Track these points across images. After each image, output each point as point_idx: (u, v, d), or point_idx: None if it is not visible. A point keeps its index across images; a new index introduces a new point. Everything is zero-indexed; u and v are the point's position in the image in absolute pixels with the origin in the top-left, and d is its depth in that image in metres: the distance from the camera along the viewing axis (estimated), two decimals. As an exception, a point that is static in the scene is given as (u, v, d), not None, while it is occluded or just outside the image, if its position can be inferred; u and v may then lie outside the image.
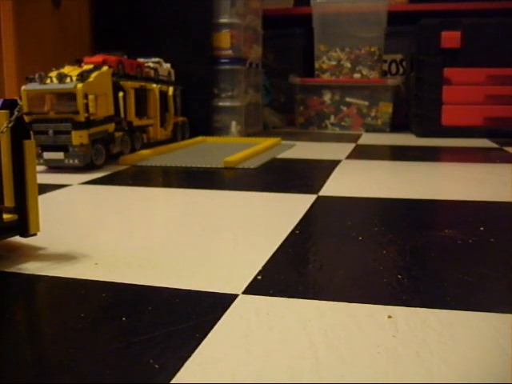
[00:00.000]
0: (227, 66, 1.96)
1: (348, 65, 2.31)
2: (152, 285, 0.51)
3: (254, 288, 0.50)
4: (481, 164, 1.33)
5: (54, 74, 1.21)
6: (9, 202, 0.59)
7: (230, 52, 1.96)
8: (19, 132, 0.58)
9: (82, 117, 1.17)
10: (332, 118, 2.32)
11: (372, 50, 2.29)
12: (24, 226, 0.60)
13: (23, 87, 1.23)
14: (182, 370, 0.36)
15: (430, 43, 1.98)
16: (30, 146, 0.59)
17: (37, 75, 1.22)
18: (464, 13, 2.20)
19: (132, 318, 0.44)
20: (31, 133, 0.60)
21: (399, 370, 0.36)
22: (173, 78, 1.79)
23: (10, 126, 0.57)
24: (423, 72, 2.03)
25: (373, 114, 2.27)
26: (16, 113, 0.58)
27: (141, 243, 0.65)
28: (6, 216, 0.59)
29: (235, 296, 0.48)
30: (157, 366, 0.36)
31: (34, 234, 0.62)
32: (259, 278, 0.53)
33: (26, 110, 1.19)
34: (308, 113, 2.34)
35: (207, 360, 0.37)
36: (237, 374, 0.35)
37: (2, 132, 0.57)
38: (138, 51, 1.68)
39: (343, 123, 2.31)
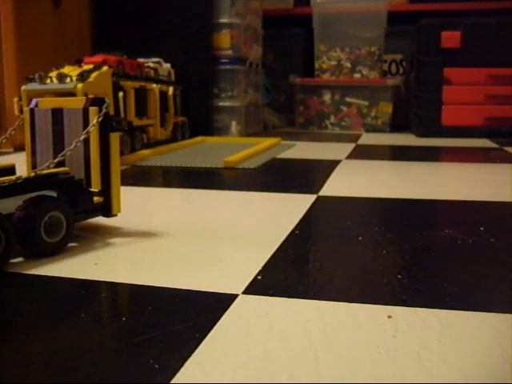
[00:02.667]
0: (227, 66, 1.96)
1: (348, 65, 2.31)
2: (152, 285, 0.51)
3: (254, 288, 0.50)
4: (481, 164, 1.33)
5: (54, 73, 1.21)
6: (96, 186, 0.68)
7: (229, 52, 1.96)
8: (106, 126, 0.66)
9: (82, 117, 1.16)
10: (332, 118, 2.32)
11: (372, 50, 2.29)
12: (108, 207, 0.68)
13: (23, 87, 1.23)
14: (182, 370, 0.36)
15: (430, 43, 1.98)
16: (114, 137, 0.67)
17: (37, 75, 1.22)
18: (464, 13, 2.20)
19: (132, 318, 0.44)
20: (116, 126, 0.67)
21: (399, 370, 0.36)
22: (173, 78, 1.79)
23: (99, 120, 0.65)
24: (423, 72, 2.03)
25: (373, 114, 2.27)
26: (104, 109, 0.65)
27: (141, 243, 0.65)
28: (95, 198, 0.68)
29: (235, 296, 0.48)
30: (157, 366, 0.36)
31: (115, 215, 0.69)
32: (259, 278, 0.53)
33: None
34: (308, 113, 2.34)
35: (207, 360, 0.37)
36: (237, 374, 0.35)
37: (93, 125, 0.65)
38: (138, 51, 1.68)
39: (343, 123, 2.31)
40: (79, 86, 1.16)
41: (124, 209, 0.84)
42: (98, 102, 0.67)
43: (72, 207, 0.64)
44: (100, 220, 0.76)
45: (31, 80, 1.22)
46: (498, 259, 0.59)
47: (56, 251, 0.60)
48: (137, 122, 1.46)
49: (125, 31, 1.94)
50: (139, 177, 1.14)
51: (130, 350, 0.38)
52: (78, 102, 0.68)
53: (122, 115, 1.36)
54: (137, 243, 0.65)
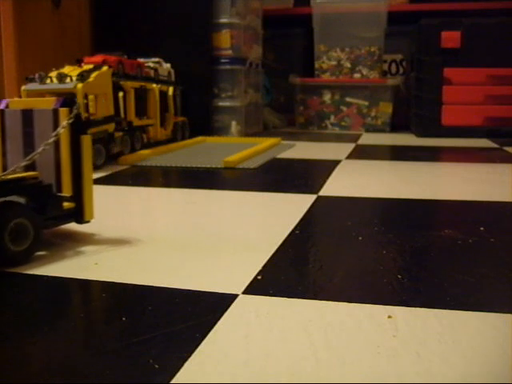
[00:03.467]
0: (227, 66, 1.96)
1: (348, 65, 2.31)
2: (152, 285, 0.51)
3: (254, 288, 0.50)
4: (481, 164, 1.33)
5: (54, 74, 1.21)
6: (67, 191, 0.65)
7: (229, 52, 1.96)
8: (77, 128, 0.64)
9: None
10: (332, 118, 2.32)
11: (372, 49, 2.29)
12: (80, 213, 0.66)
13: (23, 87, 1.23)
14: (182, 370, 0.36)
15: (430, 43, 1.98)
16: (86, 140, 0.64)
17: (37, 75, 1.22)
18: (464, 13, 2.20)
19: (132, 318, 0.44)
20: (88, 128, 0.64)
21: (399, 370, 0.36)
22: (173, 78, 1.79)
23: (69, 122, 0.62)
24: (423, 72, 2.03)
25: (373, 113, 2.27)
26: (75, 110, 0.63)
27: (140, 243, 0.65)
28: (65, 204, 0.64)
29: (235, 296, 0.48)
30: (157, 366, 0.36)
31: (88, 221, 0.67)
32: (259, 278, 0.53)
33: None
34: (308, 113, 2.34)
35: (207, 360, 0.37)
36: (237, 374, 0.35)
37: (63, 127, 0.62)
38: (138, 51, 1.68)
39: (343, 123, 2.31)
40: (79, 86, 1.16)
41: (124, 209, 0.84)
42: (68, 102, 0.64)
43: (40, 213, 0.60)
44: (100, 220, 0.76)
45: (31, 80, 1.22)
46: (498, 259, 0.59)
47: (22, 260, 0.57)
48: (137, 122, 1.46)
49: (125, 31, 1.94)
50: (139, 177, 1.14)
51: (130, 349, 0.39)
52: (48, 103, 0.66)
53: (122, 115, 1.36)
54: (137, 243, 0.65)
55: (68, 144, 0.64)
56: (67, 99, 0.65)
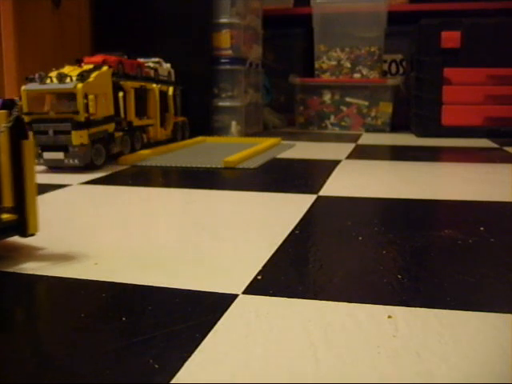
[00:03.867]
0: (227, 66, 1.96)
1: (348, 65, 2.31)
2: (152, 285, 0.51)
3: (254, 288, 0.50)
4: (481, 164, 1.33)
5: (54, 74, 1.21)
6: (7, 201, 0.59)
7: (229, 52, 1.96)
8: (18, 132, 0.58)
9: (81, 117, 1.16)
10: (332, 118, 2.31)
11: (372, 49, 2.28)
12: (23, 226, 0.60)
13: (23, 87, 1.23)
14: (182, 370, 0.36)
15: (430, 43, 1.98)
16: (28, 145, 0.59)
17: (37, 75, 1.22)
18: (464, 13, 2.20)
19: (132, 318, 0.44)
20: (30, 133, 0.60)
21: (399, 370, 0.36)
22: (173, 78, 1.79)
23: (8, 125, 0.57)
24: (423, 72, 2.03)
25: (373, 114, 2.27)
26: (15, 113, 0.58)
27: (141, 243, 0.65)
28: (4, 216, 0.59)
29: (235, 296, 0.48)
30: (157, 366, 0.36)
31: (33, 234, 0.62)
32: (259, 278, 0.53)
33: (25, 109, 1.19)
34: (308, 113, 2.34)
35: (207, 360, 0.37)
36: (237, 374, 0.35)
37: (1, 132, 0.57)
38: (138, 51, 1.68)
39: (343, 123, 2.31)
40: (79, 86, 1.16)
41: (124, 208, 0.84)
42: (8, 104, 0.58)
43: None
44: (100, 220, 0.76)
45: (31, 80, 1.22)
46: (498, 259, 0.59)
47: None
48: (137, 122, 1.46)
49: (125, 31, 1.94)
50: (139, 177, 1.14)
51: (130, 349, 0.38)
52: None
53: (122, 115, 1.36)
54: (136, 243, 0.65)
55: (8, 150, 0.58)
56: (7, 101, 0.59)
